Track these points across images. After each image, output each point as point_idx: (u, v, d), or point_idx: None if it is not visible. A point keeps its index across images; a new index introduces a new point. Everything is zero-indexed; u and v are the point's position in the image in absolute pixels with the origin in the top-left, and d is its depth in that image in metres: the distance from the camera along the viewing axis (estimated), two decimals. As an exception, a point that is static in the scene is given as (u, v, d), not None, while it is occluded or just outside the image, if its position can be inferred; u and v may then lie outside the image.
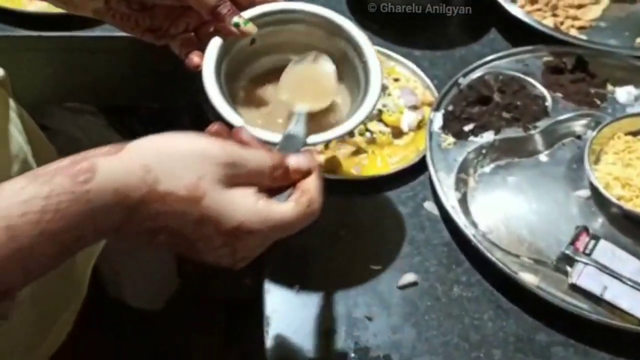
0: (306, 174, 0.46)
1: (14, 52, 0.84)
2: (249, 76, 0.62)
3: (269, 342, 0.58)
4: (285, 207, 0.44)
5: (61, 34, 0.84)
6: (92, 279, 0.74)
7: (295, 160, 0.46)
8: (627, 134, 0.73)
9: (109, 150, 0.41)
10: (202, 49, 0.58)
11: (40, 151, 0.65)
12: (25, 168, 0.60)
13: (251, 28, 0.57)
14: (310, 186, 0.46)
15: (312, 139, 0.53)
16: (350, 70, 0.61)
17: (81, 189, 0.39)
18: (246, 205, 0.43)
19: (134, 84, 0.91)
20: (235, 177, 0.43)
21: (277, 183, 0.45)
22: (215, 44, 0.58)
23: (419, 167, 0.71)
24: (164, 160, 0.42)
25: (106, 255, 0.75)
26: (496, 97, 0.78)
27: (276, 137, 0.52)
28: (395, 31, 0.88)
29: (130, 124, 1.04)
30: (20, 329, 0.61)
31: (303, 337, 0.59)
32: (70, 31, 0.84)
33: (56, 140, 0.76)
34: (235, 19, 0.57)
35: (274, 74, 0.60)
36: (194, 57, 0.58)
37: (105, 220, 0.41)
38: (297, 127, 0.52)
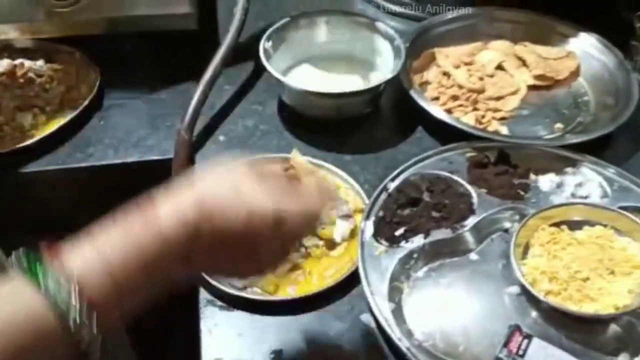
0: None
1: None
2: None
3: None
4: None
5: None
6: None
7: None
8: (551, 225, 0.76)
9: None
10: None
11: None
12: None
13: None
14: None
15: None
16: None
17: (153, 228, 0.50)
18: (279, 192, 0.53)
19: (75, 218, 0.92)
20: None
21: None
22: None
23: (355, 278, 0.72)
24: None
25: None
26: (425, 197, 0.81)
27: None
28: (326, 136, 0.91)
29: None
30: None
31: None
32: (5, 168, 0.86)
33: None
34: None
35: None
36: None
37: (178, 246, 0.49)
38: None
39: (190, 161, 0.88)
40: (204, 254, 0.51)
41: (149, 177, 0.88)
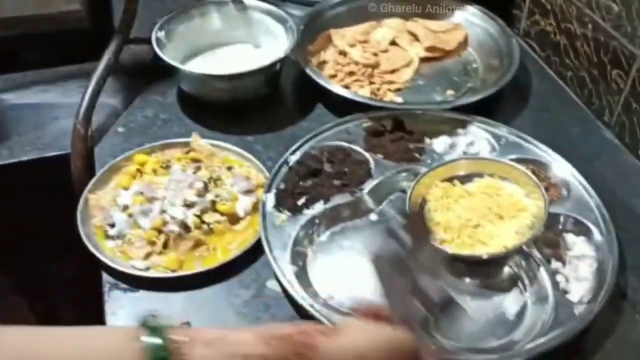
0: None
1: None
2: None
3: None
4: None
5: None
6: None
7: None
8: (443, 180, 0.80)
9: (324, 330, 0.49)
10: None
11: None
12: None
13: None
14: None
15: None
16: None
17: None
18: None
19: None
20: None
21: None
22: None
23: (259, 248, 0.74)
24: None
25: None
26: (326, 167, 0.83)
27: None
28: (227, 120, 0.92)
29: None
30: None
31: None
32: None
33: None
34: None
35: None
36: None
37: None
38: None
39: (88, 154, 0.87)
40: None
41: (48, 174, 0.88)
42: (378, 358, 0.49)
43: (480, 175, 0.80)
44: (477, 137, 0.87)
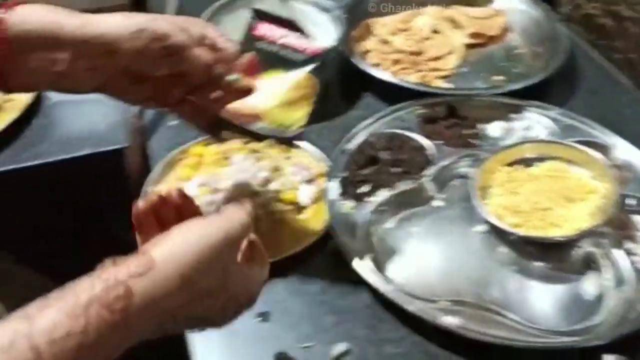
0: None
1: None
2: None
3: None
4: (261, 268, 0.54)
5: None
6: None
7: None
8: (506, 165, 0.79)
9: (137, 269, 0.43)
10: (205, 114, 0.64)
11: None
12: None
13: (247, 83, 0.61)
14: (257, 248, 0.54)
15: None
16: None
17: (119, 317, 0.40)
18: (249, 275, 0.52)
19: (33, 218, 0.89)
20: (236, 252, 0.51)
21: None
22: None
23: (328, 237, 0.73)
24: (197, 263, 0.46)
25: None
26: (382, 155, 0.83)
27: None
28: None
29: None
30: None
31: None
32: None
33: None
34: (229, 77, 0.60)
35: None
36: None
37: (142, 335, 0.43)
38: None
39: (144, 148, 0.86)
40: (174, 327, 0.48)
41: (103, 169, 0.87)
42: (208, 268, 0.47)
43: (542, 159, 0.79)
44: (534, 121, 0.87)
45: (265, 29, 0.63)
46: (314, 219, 0.76)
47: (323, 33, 0.98)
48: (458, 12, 1.09)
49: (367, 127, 0.86)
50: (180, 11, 0.97)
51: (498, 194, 0.76)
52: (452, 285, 0.69)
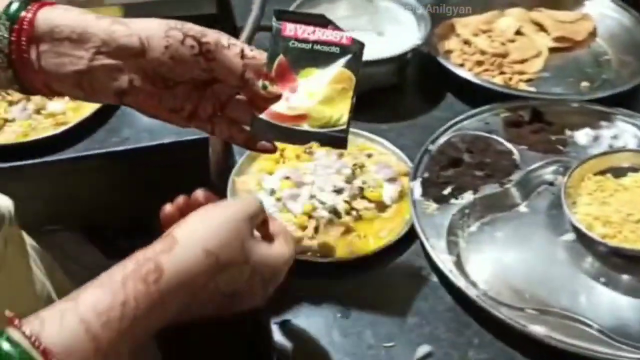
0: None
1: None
2: None
3: None
4: (283, 247, 0.56)
5: (37, 160, 0.84)
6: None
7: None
8: (595, 174, 0.77)
9: (163, 247, 0.47)
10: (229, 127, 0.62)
11: (59, 285, 0.65)
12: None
13: (276, 90, 0.59)
14: (280, 228, 0.58)
15: None
16: None
17: (154, 289, 0.44)
18: (270, 251, 0.54)
19: (112, 200, 0.91)
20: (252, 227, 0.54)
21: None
22: None
23: (409, 237, 0.73)
24: (217, 237, 0.49)
25: None
26: (466, 157, 0.82)
27: None
28: (357, 108, 0.91)
29: (108, 236, 1.03)
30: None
31: None
32: (42, 157, 0.85)
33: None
34: (261, 82, 0.58)
35: None
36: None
37: (175, 307, 0.46)
38: None
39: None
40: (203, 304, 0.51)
41: (185, 157, 0.89)
42: (227, 241, 0.49)
43: (634, 170, 0.77)
44: (622, 130, 0.84)
45: (294, 28, 0.61)
46: (397, 218, 0.75)
47: (407, 31, 0.97)
48: (543, 14, 1.07)
49: (450, 128, 0.85)
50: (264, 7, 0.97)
51: (586, 203, 0.74)
52: (537, 293, 0.67)
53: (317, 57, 0.61)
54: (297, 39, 0.61)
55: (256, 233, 0.55)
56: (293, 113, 0.60)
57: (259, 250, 0.53)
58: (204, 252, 0.48)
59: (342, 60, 0.62)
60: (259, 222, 0.55)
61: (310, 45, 0.61)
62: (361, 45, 0.62)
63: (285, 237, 0.57)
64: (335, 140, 0.61)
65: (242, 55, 0.57)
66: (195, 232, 0.49)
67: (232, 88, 0.60)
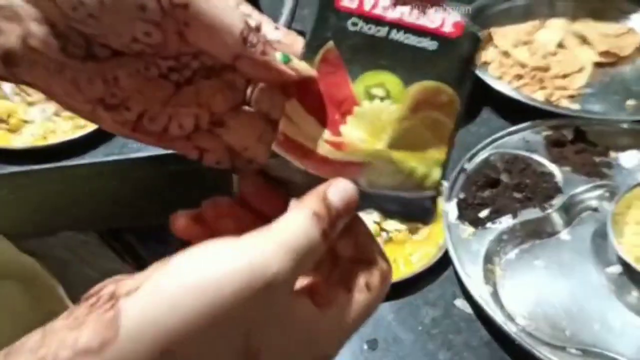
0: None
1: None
2: None
3: None
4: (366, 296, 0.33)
5: (50, 165, 0.81)
6: None
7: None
8: (643, 201, 0.72)
9: (88, 342, 0.26)
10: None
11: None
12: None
13: (305, 68, 0.34)
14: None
15: None
16: None
17: None
18: (316, 327, 0.31)
19: (131, 205, 0.88)
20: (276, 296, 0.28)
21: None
22: None
23: (442, 262, 0.68)
24: (187, 328, 0.26)
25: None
26: (504, 177, 0.77)
27: None
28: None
29: (124, 239, 1.00)
30: None
31: None
32: (60, 161, 0.81)
33: (44, 265, 0.72)
34: (280, 55, 0.33)
35: None
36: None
37: None
38: None
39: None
40: None
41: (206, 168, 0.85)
42: (213, 336, 0.27)
43: (687, 198, 0.72)
44: (672, 154, 0.79)
45: None
46: (429, 241, 0.71)
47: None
48: (587, 27, 1.02)
49: (487, 145, 0.80)
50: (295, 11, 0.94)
51: (634, 232, 0.69)
52: (580, 330, 0.63)
53: (396, 53, 0.34)
54: (363, 17, 0.34)
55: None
56: (340, 158, 0.34)
57: (289, 334, 0.30)
58: (160, 355, 0.26)
59: (440, 66, 0.35)
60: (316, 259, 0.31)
61: (386, 31, 0.34)
62: (476, 40, 0.35)
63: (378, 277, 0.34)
64: (416, 211, 0.36)
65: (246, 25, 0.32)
66: (154, 317, 0.26)
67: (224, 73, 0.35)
